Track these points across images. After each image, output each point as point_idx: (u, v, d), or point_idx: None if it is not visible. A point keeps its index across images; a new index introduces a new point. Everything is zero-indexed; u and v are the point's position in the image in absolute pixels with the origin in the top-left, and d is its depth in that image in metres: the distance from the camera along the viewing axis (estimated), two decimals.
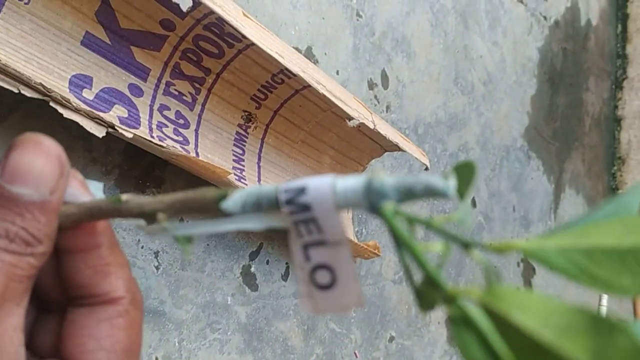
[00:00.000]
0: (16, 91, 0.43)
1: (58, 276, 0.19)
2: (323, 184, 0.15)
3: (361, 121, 0.66)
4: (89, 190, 0.18)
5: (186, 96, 0.63)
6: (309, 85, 0.66)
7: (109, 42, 0.56)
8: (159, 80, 0.61)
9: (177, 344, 0.62)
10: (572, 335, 0.11)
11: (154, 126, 0.59)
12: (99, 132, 0.48)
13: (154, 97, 0.60)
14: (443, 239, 0.15)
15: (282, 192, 0.15)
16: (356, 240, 0.73)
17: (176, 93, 0.62)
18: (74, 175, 0.18)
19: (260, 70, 0.65)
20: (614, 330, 0.10)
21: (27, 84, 0.44)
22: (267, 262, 0.70)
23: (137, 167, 0.60)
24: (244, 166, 0.67)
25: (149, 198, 0.17)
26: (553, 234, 0.14)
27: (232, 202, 0.16)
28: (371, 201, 0.14)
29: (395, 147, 0.75)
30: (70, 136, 0.55)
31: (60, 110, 0.45)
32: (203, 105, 0.64)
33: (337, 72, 0.79)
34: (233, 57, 0.63)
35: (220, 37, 0.61)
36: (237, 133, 0.68)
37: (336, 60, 0.79)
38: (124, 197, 0.17)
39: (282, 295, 0.71)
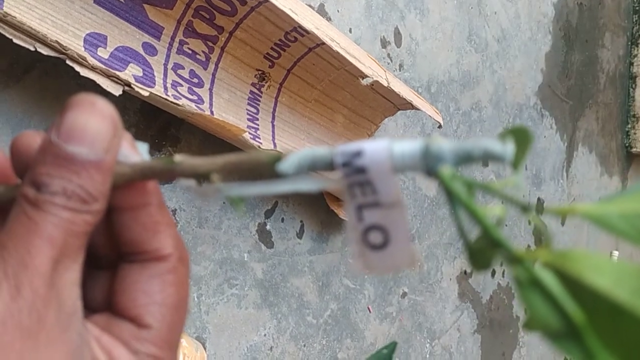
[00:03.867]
0: (32, 49, 0.43)
1: (109, 233, 0.20)
2: (380, 147, 0.15)
3: (375, 79, 0.66)
4: (139, 151, 0.19)
5: (200, 55, 0.63)
6: (323, 43, 0.66)
7: (122, 0, 0.56)
8: (172, 39, 0.61)
9: (196, 299, 0.63)
10: None
11: (168, 85, 0.59)
12: (115, 90, 0.48)
13: (167, 56, 0.60)
14: (501, 201, 0.16)
15: (338, 155, 0.15)
16: None
17: (190, 52, 0.62)
18: (125, 136, 0.19)
19: (274, 28, 0.65)
20: None
21: (43, 42, 0.44)
22: (282, 220, 0.71)
23: (153, 126, 0.61)
24: (258, 125, 0.67)
25: (201, 159, 0.17)
26: (614, 199, 0.14)
27: (287, 163, 0.16)
28: (428, 165, 0.15)
29: (409, 105, 0.74)
30: None
31: (77, 68, 0.45)
32: (217, 64, 0.64)
33: (350, 30, 0.79)
34: (246, 15, 0.63)
35: None
36: (251, 92, 0.68)
37: (349, 18, 0.78)
38: (178, 158, 0.18)
39: (297, 252, 0.73)
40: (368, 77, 0.71)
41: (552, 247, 0.13)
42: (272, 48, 0.67)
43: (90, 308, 0.20)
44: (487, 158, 0.14)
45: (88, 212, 0.17)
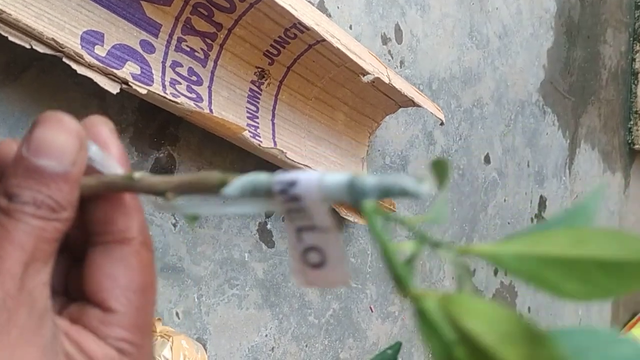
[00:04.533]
0: (28, 47, 0.43)
1: (81, 221, 0.21)
2: (312, 179, 0.16)
3: (376, 76, 0.65)
4: (125, 161, 0.20)
5: (198, 52, 0.62)
6: (323, 40, 0.65)
7: None
8: (170, 36, 0.60)
9: (196, 300, 0.63)
10: (510, 341, 0.12)
11: (167, 83, 0.58)
12: (113, 88, 0.48)
13: (165, 54, 0.59)
14: (414, 238, 0.16)
15: (276, 184, 0.17)
16: None
17: (188, 49, 0.61)
18: (114, 150, 0.20)
19: (273, 25, 0.64)
20: (543, 340, 0.12)
21: (40, 40, 0.43)
22: (283, 219, 0.71)
23: (151, 125, 0.60)
24: (258, 123, 0.66)
25: (159, 178, 0.19)
26: (510, 240, 0.15)
27: (231, 188, 0.17)
28: (353, 197, 0.16)
29: (410, 102, 0.74)
30: (85, 94, 0.54)
31: (74, 66, 0.45)
32: (215, 62, 0.64)
33: (350, 27, 0.78)
34: (245, 11, 0.62)
35: None
36: (251, 90, 0.67)
37: (349, 14, 0.77)
38: (137, 175, 0.19)
39: None
40: (369, 74, 0.70)
41: (467, 286, 0.15)
42: (271, 45, 0.67)
43: (72, 299, 0.21)
44: (403, 194, 0.15)
45: (57, 220, 0.18)
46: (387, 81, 0.66)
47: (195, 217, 0.19)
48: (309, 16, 0.59)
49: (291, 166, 0.64)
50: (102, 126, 0.21)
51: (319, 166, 0.69)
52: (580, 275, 0.14)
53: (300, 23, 0.61)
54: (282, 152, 0.60)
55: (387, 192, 0.16)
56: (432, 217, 0.17)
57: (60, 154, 0.18)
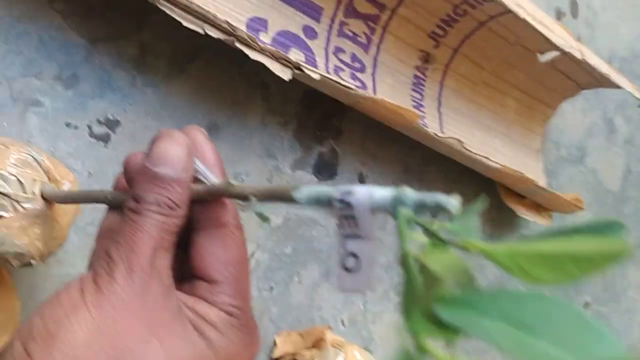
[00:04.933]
0: (202, 32, 0.39)
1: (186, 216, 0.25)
2: (365, 191, 0.19)
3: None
4: (219, 165, 0.26)
5: (361, 37, 0.57)
6: (497, 15, 0.57)
7: None
8: (332, 20, 0.55)
9: (362, 307, 0.57)
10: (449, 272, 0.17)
11: (331, 70, 0.54)
12: (285, 74, 0.43)
13: (328, 39, 0.55)
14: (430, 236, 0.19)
15: (336, 193, 0.20)
16: (551, 190, 0.64)
17: (350, 34, 0.56)
18: (215, 163, 0.26)
19: (441, 2, 0.57)
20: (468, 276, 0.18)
21: (213, 23, 0.40)
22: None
23: (314, 117, 0.55)
24: (424, 112, 0.60)
25: (247, 185, 0.24)
26: (505, 243, 0.18)
27: (301, 194, 0.21)
28: (394, 208, 0.18)
29: (598, 83, 0.63)
30: (248, 85, 0.51)
31: (246, 51, 0.41)
32: (378, 46, 0.58)
33: None
34: None
35: None
36: (415, 76, 0.61)
37: None
38: (233, 182, 0.24)
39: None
40: (549, 51, 0.61)
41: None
42: (437, 25, 0.60)
43: (178, 279, 0.25)
44: (438, 208, 0.18)
45: (175, 216, 0.23)
46: (579, 57, 0.56)
47: (268, 218, 0.25)
48: None
49: (467, 157, 0.56)
50: (198, 134, 0.26)
51: (492, 157, 0.61)
52: (553, 266, 0.16)
53: None
54: (460, 142, 0.53)
55: (423, 205, 0.18)
56: (451, 228, 0.19)
57: (174, 163, 0.23)
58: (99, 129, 0.44)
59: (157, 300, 0.22)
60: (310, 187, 0.21)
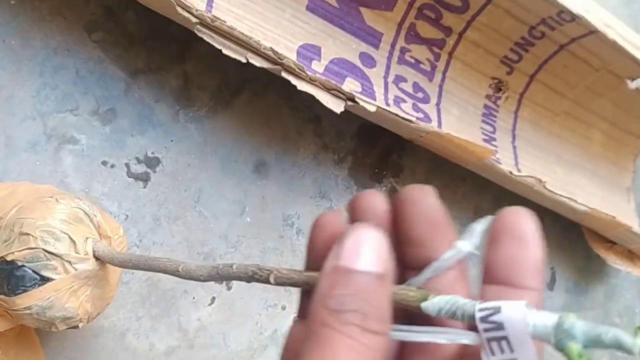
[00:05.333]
0: (244, 60, 0.35)
1: None
2: (517, 310, 0.16)
3: None
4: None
5: (424, 64, 0.52)
6: (581, 37, 0.51)
7: (337, 5, 0.47)
8: (393, 46, 0.50)
9: None
10: None
11: (390, 102, 0.48)
12: (337, 106, 0.39)
13: (387, 67, 0.50)
14: None
15: (478, 310, 0.16)
16: None
17: (412, 61, 0.51)
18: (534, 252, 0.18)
19: (514, 23, 0.51)
20: None
21: (256, 51, 0.36)
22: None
23: (371, 154, 0.50)
24: (496, 147, 0.54)
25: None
26: None
27: (431, 304, 0.17)
28: (558, 339, 0.15)
29: None
30: (299, 119, 0.47)
31: (294, 81, 0.37)
32: (444, 74, 0.53)
33: None
34: (480, 10, 0.50)
35: None
36: (486, 106, 0.54)
37: (604, 5, 0.61)
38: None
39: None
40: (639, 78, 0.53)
41: None
42: (511, 49, 0.54)
43: None
44: (616, 347, 0.15)
45: (382, 334, 0.16)
46: None
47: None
48: (576, 1, 0.45)
49: (548, 199, 0.49)
50: (526, 221, 0.18)
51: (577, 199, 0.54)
52: None
53: (559, 14, 0.48)
54: (540, 181, 0.46)
55: (597, 340, 0.15)
56: None
57: (377, 261, 0.17)
58: (138, 168, 0.41)
59: None
60: (442, 297, 0.17)
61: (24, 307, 0.30)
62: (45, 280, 0.30)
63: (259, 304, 0.45)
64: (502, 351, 0.16)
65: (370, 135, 0.50)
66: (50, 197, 0.31)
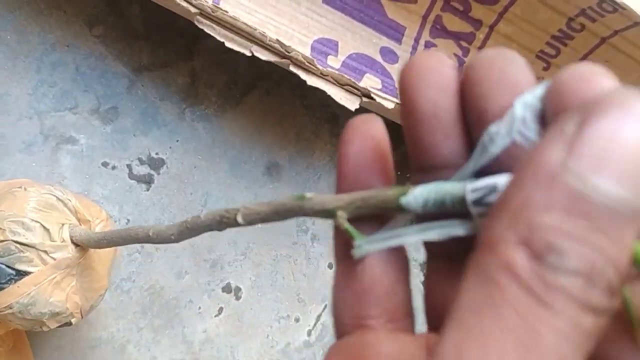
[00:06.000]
0: (248, 54, 0.33)
1: None
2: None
3: None
4: None
5: (451, 59, 0.48)
6: (626, 28, 0.46)
7: None
8: (417, 40, 0.47)
9: None
10: None
11: None
12: (351, 103, 0.36)
13: None
14: None
15: (470, 192, 0.13)
16: None
17: None
18: None
19: (552, 15, 0.47)
20: None
21: (261, 44, 0.33)
22: None
23: (395, 152, 0.47)
24: None
25: (330, 196, 0.16)
26: None
27: (413, 198, 0.14)
28: None
29: None
30: (314, 119, 0.44)
31: (303, 76, 0.34)
32: None
33: None
34: (513, 1, 0.47)
35: None
36: None
37: None
38: (308, 194, 0.16)
39: None
40: None
41: None
42: (547, 43, 0.50)
43: None
44: None
45: (605, 313, 0.10)
46: None
47: (360, 237, 0.15)
48: None
49: None
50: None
51: None
52: None
53: (600, 4, 0.43)
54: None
55: None
56: None
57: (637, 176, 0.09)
58: (140, 170, 0.39)
59: None
60: (424, 186, 0.14)
61: (5, 307, 0.27)
62: (22, 274, 0.28)
63: (269, 315, 0.42)
64: None
65: (391, 135, 0.47)
66: (19, 187, 0.29)
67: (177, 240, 0.21)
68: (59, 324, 0.31)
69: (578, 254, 0.09)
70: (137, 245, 0.38)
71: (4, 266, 0.27)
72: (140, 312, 0.38)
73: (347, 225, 0.15)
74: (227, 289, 0.41)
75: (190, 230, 0.20)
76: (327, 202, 0.15)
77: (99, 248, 0.30)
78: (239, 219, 0.17)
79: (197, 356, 0.40)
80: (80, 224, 0.31)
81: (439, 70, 0.13)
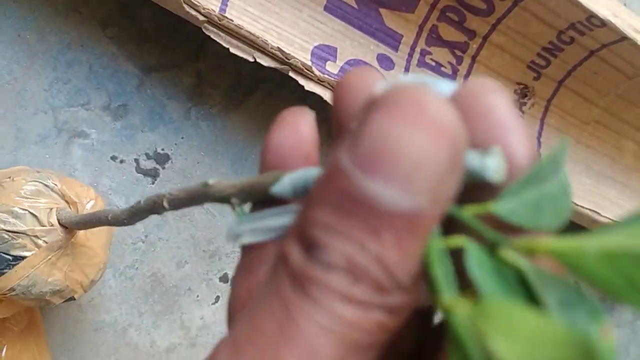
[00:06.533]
0: (251, 59, 0.35)
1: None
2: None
3: None
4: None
5: (445, 67, 0.50)
6: (611, 43, 0.48)
7: (356, 6, 0.47)
8: (413, 48, 0.49)
9: None
10: None
11: None
12: None
13: (407, 70, 0.49)
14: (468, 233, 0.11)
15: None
16: None
17: (433, 64, 0.50)
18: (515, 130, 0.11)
19: (542, 28, 0.49)
20: None
21: (263, 50, 0.35)
22: None
23: None
24: None
25: (227, 182, 0.16)
26: (599, 233, 0.10)
27: (281, 186, 0.14)
28: None
29: None
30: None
31: (302, 81, 0.36)
32: (466, 78, 0.51)
33: None
34: (506, 13, 0.49)
35: None
36: None
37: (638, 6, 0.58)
38: (211, 181, 0.17)
39: None
40: None
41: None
42: (538, 54, 0.52)
43: None
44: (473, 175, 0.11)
45: (381, 308, 0.10)
46: None
47: (238, 236, 0.14)
48: (603, 5, 0.43)
49: (573, 210, 0.47)
50: (499, 98, 0.11)
51: (603, 211, 0.51)
52: None
53: (581, 22, 0.46)
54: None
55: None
56: (502, 211, 0.11)
57: (413, 175, 0.09)
58: (147, 164, 0.41)
59: None
60: (292, 173, 0.14)
61: (8, 290, 0.30)
62: (18, 259, 0.30)
63: None
64: None
65: None
66: (8, 178, 0.31)
67: (130, 223, 0.23)
68: (64, 300, 0.33)
69: (340, 250, 0.10)
70: (141, 235, 0.41)
71: (1, 253, 0.30)
72: (142, 297, 0.41)
73: (237, 209, 0.15)
74: (224, 279, 0.43)
75: (135, 214, 0.22)
76: (223, 189, 0.16)
77: (80, 229, 0.32)
78: (165, 203, 0.18)
79: (194, 341, 0.42)
80: (69, 206, 0.33)
81: (364, 87, 0.13)
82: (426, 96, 0.09)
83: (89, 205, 0.34)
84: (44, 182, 0.32)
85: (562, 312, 0.10)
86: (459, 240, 0.11)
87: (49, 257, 0.31)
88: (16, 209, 0.30)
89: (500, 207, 0.11)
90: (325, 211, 0.10)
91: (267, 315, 0.10)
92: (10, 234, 0.30)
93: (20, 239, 0.30)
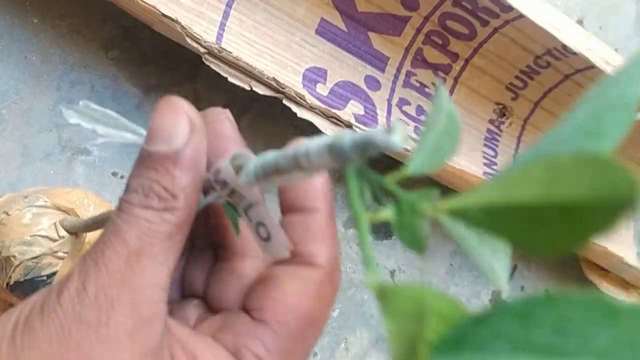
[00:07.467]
0: (247, 88, 0.37)
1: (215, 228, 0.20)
2: (225, 165, 0.18)
3: None
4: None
5: (429, 88, 0.53)
6: (586, 69, 0.52)
7: (345, 29, 0.49)
8: (398, 70, 0.52)
9: None
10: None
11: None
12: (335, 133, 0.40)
13: (392, 90, 0.51)
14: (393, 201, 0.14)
15: (210, 174, 0.18)
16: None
17: (417, 84, 0.53)
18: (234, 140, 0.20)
19: (521, 52, 0.52)
20: None
21: (259, 80, 0.38)
22: (522, 289, 0.57)
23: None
24: (496, 171, 0.55)
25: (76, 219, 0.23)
26: (481, 187, 0.12)
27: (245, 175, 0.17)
28: (338, 162, 0.15)
29: None
30: (302, 137, 0.49)
31: (294, 108, 0.39)
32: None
33: (616, 50, 0.62)
34: (487, 38, 0.52)
35: (473, 14, 0.50)
36: (489, 130, 0.56)
37: (614, 36, 0.62)
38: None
39: None
40: None
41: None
42: (516, 77, 0.55)
43: (188, 293, 0.20)
44: (377, 147, 0.13)
45: (166, 210, 0.16)
46: None
47: (237, 225, 0.19)
48: (576, 38, 0.46)
49: None
50: (224, 120, 0.20)
51: None
52: (548, 225, 0.10)
53: (557, 49, 0.49)
54: None
55: (363, 148, 0.14)
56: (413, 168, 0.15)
57: (168, 135, 0.17)
58: None
59: (116, 333, 0.15)
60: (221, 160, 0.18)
61: None
62: (51, 276, 0.32)
63: None
64: (240, 199, 0.18)
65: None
66: (3, 213, 0.33)
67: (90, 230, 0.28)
68: None
69: (137, 182, 0.16)
70: None
71: (36, 279, 0.32)
72: None
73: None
74: None
75: (89, 225, 0.28)
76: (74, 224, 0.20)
77: (81, 232, 0.35)
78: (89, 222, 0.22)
79: None
80: (68, 214, 0.35)
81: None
82: (173, 98, 0.17)
83: (91, 207, 0.36)
84: (36, 205, 0.34)
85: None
86: (387, 213, 0.14)
87: (74, 262, 0.34)
88: (26, 237, 0.32)
89: (411, 167, 0.15)
90: (135, 169, 0.17)
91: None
92: (32, 260, 0.32)
93: (44, 260, 0.33)
